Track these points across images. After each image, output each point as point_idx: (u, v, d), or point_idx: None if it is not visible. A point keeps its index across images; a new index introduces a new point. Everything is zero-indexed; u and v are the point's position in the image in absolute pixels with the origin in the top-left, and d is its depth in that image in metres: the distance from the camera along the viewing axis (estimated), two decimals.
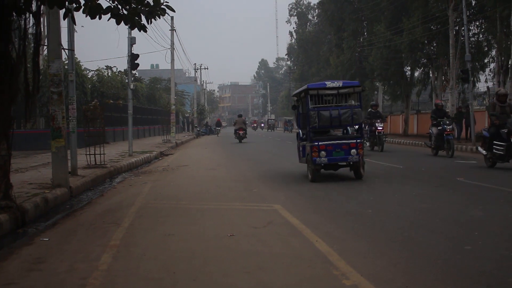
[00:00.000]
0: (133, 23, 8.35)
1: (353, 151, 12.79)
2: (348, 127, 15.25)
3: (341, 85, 13.47)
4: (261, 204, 9.93)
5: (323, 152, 12.76)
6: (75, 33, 14.74)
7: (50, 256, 6.48)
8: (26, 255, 6.54)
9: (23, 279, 5.55)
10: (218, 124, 66.57)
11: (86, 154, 16.32)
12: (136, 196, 11.33)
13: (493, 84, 33.32)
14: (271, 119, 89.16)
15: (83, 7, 8.03)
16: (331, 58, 54.05)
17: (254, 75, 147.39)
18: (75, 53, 14.67)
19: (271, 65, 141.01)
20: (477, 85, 38.97)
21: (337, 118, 13.02)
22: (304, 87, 14.06)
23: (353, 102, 13.64)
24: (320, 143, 12.86)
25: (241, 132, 36.63)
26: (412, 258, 5.96)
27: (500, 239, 6.82)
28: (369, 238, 6.99)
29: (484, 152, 15.77)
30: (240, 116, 39.65)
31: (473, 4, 32.88)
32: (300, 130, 15.03)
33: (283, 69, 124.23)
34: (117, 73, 44.98)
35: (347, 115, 13.05)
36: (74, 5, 8.17)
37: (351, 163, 13.08)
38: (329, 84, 13.56)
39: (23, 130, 25.93)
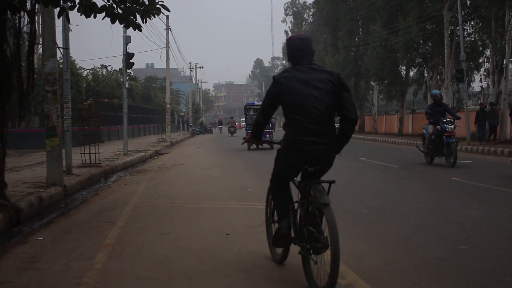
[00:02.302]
0: (128, 22, 8.34)
1: (268, 135, 23.17)
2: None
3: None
4: (256, 203, 9.91)
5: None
6: (70, 32, 14.71)
7: (45, 255, 6.46)
8: (20, 254, 6.52)
9: (17, 278, 5.53)
10: (220, 123, 78.25)
11: (81, 153, 16.29)
12: (131, 195, 11.31)
13: (488, 84, 33.40)
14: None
15: (77, 5, 8.02)
16: (326, 58, 54.10)
17: (249, 74, 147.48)
18: (70, 51, 14.64)
19: (266, 64, 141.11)
20: (472, 84, 39.08)
21: None
22: (245, 104, 25.45)
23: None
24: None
25: (232, 129, 53.42)
26: (407, 257, 5.97)
27: (495, 238, 6.84)
28: (365, 237, 7.00)
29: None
30: (232, 118, 59.84)
31: (468, 4, 32.98)
32: None
33: (279, 68, 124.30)
34: (112, 72, 44.92)
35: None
36: (69, 4, 8.17)
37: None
38: (256, 102, 25.04)
39: (17, 129, 25.86)
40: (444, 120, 16.23)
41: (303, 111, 4.83)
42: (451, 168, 15.39)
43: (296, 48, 5.10)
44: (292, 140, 4.91)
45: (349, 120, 5.05)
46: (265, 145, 24.95)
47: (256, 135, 5.41)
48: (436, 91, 17.80)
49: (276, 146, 5.45)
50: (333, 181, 4.90)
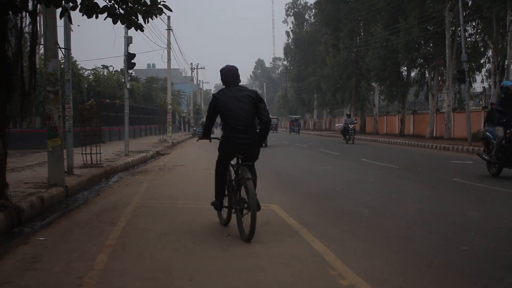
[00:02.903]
0: (130, 22, 8.33)
1: None
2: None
3: None
4: None
5: None
6: (72, 32, 14.71)
7: (46, 255, 6.46)
8: (21, 255, 6.52)
9: (18, 278, 5.53)
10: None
11: (82, 154, 16.29)
12: (133, 196, 11.31)
13: (489, 85, 33.39)
14: (273, 118, 72.66)
15: (79, 6, 8.01)
16: (327, 58, 54.17)
17: (250, 75, 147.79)
18: (71, 52, 14.66)
19: (267, 65, 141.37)
20: (473, 85, 39.08)
21: None
22: None
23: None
24: None
25: None
26: (408, 258, 5.97)
27: (497, 239, 6.84)
28: (366, 238, 6.99)
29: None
30: None
31: (469, 5, 32.97)
32: None
33: (280, 69, 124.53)
34: (113, 72, 44.99)
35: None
36: (71, 4, 8.15)
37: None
38: None
39: (19, 129, 25.85)
40: None
41: (234, 117, 7.11)
42: None
43: (226, 75, 7.45)
44: (227, 136, 7.23)
45: (264, 121, 7.34)
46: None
47: (206, 134, 7.97)
48: (507, 82, 13.58)
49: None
50: (252, 164, 7.26)
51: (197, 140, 8.74)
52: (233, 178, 7.51)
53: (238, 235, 7.13)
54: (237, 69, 7.54)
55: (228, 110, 7.13)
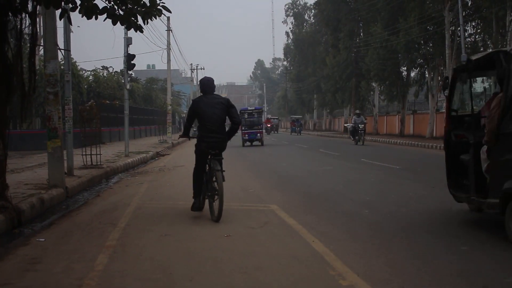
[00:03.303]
0: (129, 23, 8.34)
1: (258, 134, 33.47)
2: (258, 126, 34.10)
3: (254, 108, 36.27)
4: (257, 205, 9.94)
5: (246, 135, 33.20)
6: (71, 34, 14.71)
7: (46, 256, 6.46)
8: (22, 256, 6.53)
9: (19, 279, 5.53)
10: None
11: (82, 155, 16.29)
12: (133, 197, 11.32)
13: (489, 85, 33.38)
14: (273, 119, 70.59)
15: (79, 7, 8.02)
16: (327, 59, 54.15)
17: (250, 76, 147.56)
18: (71, 53, 14.66)
19: (267, 65, 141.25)
20: (473, 85, 39.04)
21: (253, 121, 33.64)
22: (240, 109, 32.92)
23: (256, 115, 34.19)
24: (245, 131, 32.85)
25: None
26: (408, 258, 5.97)
27: (497, 239, 6.83)
28: (366, 238, 7.00)
29: None
30: None
31: (469, 5, 32.96)
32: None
33: (280, 70, 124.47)
34: (113, 73, 44.97)
35: (257, 120, 33.87)
36: (70, 6, 8.15)
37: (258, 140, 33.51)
38: (249, 107, 38.13)
39: (19, 130, 25.87)
40: None
41: (208, 120, 8.60)
42: None
43: (205, 85, 8.93)
44: (202, 136, 8.70)
45: (235, 122, 8.80)
46: (256, 143, 33.93)
47: (186, 133, 9.62)
48: None
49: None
50: (222, 158, 8.73)
51: (178, 138, 10.54)
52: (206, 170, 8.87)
53: (237, 237, 7.14)
54: (213, 80, 9.14)
55: (204, 114, 8.61)
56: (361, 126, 31.73)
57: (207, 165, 8.83)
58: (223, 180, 8.30)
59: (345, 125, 39.52)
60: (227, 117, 8.74)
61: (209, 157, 8.71)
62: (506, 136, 6.68)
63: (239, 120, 8.92)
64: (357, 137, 31.89)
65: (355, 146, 30.38)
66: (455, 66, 8.77)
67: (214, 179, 8.53)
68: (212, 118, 8.58)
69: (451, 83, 8.39)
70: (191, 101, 11.59)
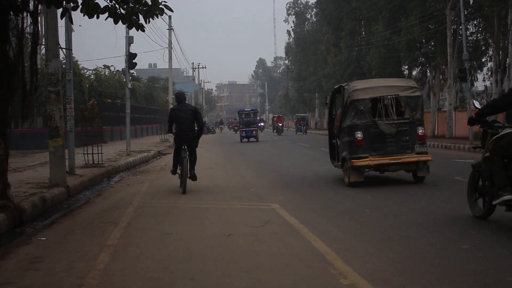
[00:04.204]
0: (131, 22, 8.34)
1: (254, 132, 39.06)
2: (253, 124, 39.65)
3: (250, 109, 43.14)
4: (258, 203, 9.94)
5: (244, 132, 39.07)
6: (73, 33, 14.74)
7: (48, 255, 6.48)
8: (23, 255, 6.54)
9: (20, 278, 5.55)
10: (221, 123, 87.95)
11: (83, 154, 16.32)
12: (134, 195, 11.34)
13: (491, 83, 33.36)
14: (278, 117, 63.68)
15: (80, 6, 8.02)
16: (328, 57, 54.08)
17: (252, 74, 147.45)
18: (72, 52, 14.69)
19: (269, 64, 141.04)
20: (475, 84, 38.99)
21: (249, 121, 40.08)
22: (238, 110, 43.87)
23: (252, 116, 40.57)
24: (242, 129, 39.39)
25: (236, 128, 59.00)
26: (409, 257, 5.97)
27: (497, 238, 6.83)
28: (367, 237, 7.00)
29: None
30: (235, 119, 67.79)
31: (470, 3, 32.90)
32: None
33: (281, 68, 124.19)
34: (114, 72, 45.01)
35: (253, 120, 40.36)
36: (72, 5, 8.15)
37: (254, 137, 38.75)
38: (246, 109, 44.93)
39: (20, 130, 25.88)
40: None
41: (181, 122, 11.89)
42: None
43: (179, 97, 12.57)
44: (177, 133, 12.02)
45: (199, 125, 12.21)
46: (252, 140, 38.67)
47: (169, 130, 12.78)
48: None
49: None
50: (194, 150, 12.08)
51: (166, 133, 14.92)
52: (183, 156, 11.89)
53: (238, 236, 7.17)
54: (184, 93, 13.47)
55: (178, 118, 12.00)
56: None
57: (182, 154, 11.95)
58: (189, 174, 11.79)
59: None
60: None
61: (184, 147, 11.84)
62: (343, 128, 12.30)
63: (201, 123, 12.45)
64: None
65: None
66: (333, 89, 14.16)
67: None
68: (184, 121, 11.89)
69: (331, 99, 14.01)
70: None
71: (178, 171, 12.15)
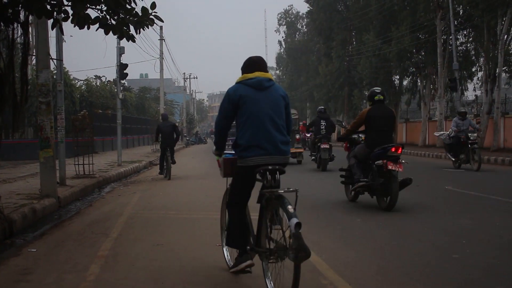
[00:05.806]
0: (122, 33, 8.34)
1: None
2: None
3: None
4: (250, 214, 9.91)
5: None
6: (64, 43, 14.72)
7: (38, 267, 6.44)
8: (13, 266, 6.50)
9: None
10: (212, 133, 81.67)
11: (74, 164, 16.27)
12: (125, 206, 11.30)
13: (481, 93, 33.56)
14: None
15: (71, 17, 8.01)
16: (320, 67, 54.27)
17: None
18: (63, 62, 14.65)
19: None
20: (465, 93, 39.25)
21: None
22: None
23: None
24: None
25: None
26: (400, 266, 5.99)
27: (488, 247, 6.86)
28: (358, 247, 7.01)
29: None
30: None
31: (460, 14, 33.17)
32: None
33: (273, 78, 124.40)
34: (106, 82, 44.93)
35: None
36: (63, 15, 8.15)
37: None
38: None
39: (11, 140, 25.78)
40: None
41: (164, 134, 17.96)
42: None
43: (164, 116, 19.32)
44: (162, 141, 17.98)
45: (177, 134, 18.29)
46: None
47: (156, 139, 18.90)
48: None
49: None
50: (173, 150, 18.18)
51: (154, 142, 23.75)
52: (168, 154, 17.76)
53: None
54: (167, 114, 20.21)
55: (162, 131, 17.80)
56: (471, 135, 18.31)
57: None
58: (171, 162, 17.70)
59: (438, 134, 25.62)
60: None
61: (167, 149, 17.62)
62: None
63: (178, 133, 18.50)
64: (462, 156, 18.56)
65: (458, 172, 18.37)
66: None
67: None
68: (166, 133, 17.81)
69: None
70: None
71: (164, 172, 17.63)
